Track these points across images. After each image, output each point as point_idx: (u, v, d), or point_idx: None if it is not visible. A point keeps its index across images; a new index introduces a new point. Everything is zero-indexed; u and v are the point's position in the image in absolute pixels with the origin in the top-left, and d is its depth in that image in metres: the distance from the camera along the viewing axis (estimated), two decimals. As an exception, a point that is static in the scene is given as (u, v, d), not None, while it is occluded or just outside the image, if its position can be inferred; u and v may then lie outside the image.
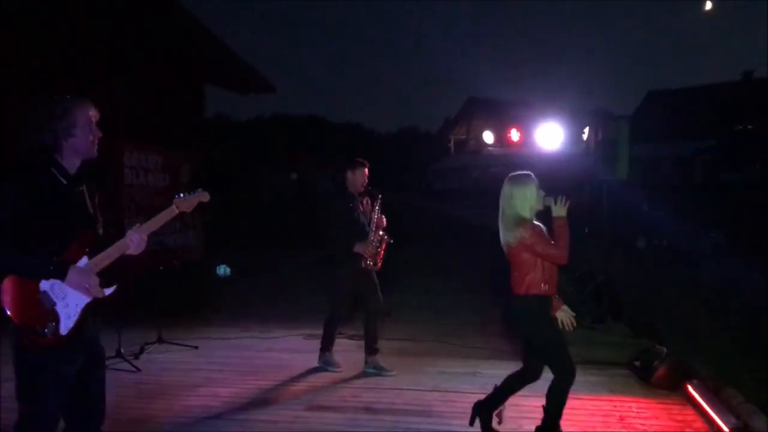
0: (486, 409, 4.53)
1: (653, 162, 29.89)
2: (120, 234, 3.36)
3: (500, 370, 5.94)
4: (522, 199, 4.15)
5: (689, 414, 4.90)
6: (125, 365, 6.02)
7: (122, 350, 6.17)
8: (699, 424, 4.69)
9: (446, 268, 13.16)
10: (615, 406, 5.07)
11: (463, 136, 44.03)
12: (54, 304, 2.87)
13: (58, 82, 9.82)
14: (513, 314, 4.38)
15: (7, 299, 2.82)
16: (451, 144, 44.10)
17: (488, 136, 11.96)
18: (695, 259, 13.63)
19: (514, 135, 8.19)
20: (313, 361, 6.25)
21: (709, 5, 33.70)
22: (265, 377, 5.82)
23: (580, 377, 5.70)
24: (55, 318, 2.86)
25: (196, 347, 6.78)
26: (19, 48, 9.75)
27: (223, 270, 7.01)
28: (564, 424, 4.70)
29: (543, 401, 5.01)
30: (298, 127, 56.44)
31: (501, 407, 4.57)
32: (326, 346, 6.07)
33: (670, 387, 5.37)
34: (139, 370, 5.96)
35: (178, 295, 7.94)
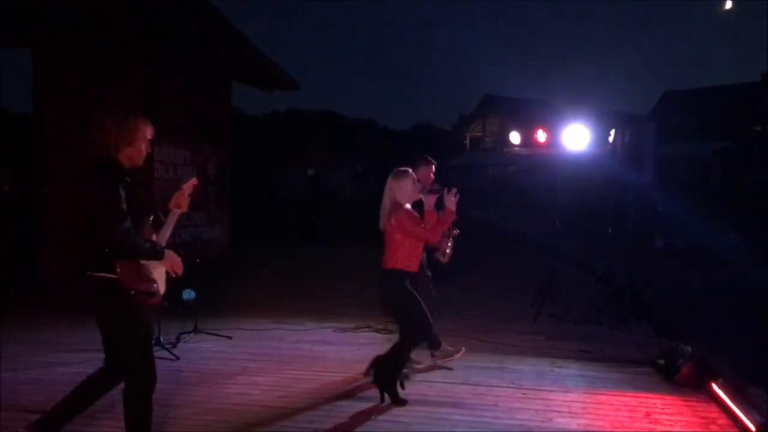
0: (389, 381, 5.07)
1: (669, 162, 29.87)
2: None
3: (526, 366, 6.19)
4: (400, 190, 5.03)
5: (713, 411, 5.04)
6: (164, 353, 6.24)
7: (161, 339, 6.40)
8: (723, 420, 4.84)
9: (466, 265, 13.30)
10: (640, 402, 5.22)
11: (479, 134, 44.15)
12: (150, 273, 3.64)
13: (91, 78, 10.10)
14: (380, 285, 5.15)
15: (119, 269, 3.50)
16: (467, 141, 44.22)
17: (515, 137, 12.09)
18: (714, 260, 13.71)
19: (541, 136, 8.34)
20: (345, 353, 6.48)
21: (729, 4, 33.54)
22: (299, 367, 6.02)
23: (605, 374, 5.96)
24: (155, 282, 3.65)
25: (230, 337, 7.00)
26: (58, 47, 10.02)
27: (188, 294, 7.25)
28: (592, 418, 4.91)
29: (575, 396, 5.23)
30: (312, 123, 56.65)
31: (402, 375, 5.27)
32: (434, 344, 6.15)
33: (695, 385, 5.51)
34: (178, 358, 6.18)
35: (209, 287, 8.14)
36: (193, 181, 4.10)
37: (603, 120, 8.21)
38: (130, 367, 3.73)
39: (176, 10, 10.79)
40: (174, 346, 6.51)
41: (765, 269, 11.57)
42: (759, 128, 37.01)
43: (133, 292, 3.54)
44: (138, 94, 10.18)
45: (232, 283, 10.01)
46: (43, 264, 10.05)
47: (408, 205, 5.09)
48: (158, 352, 6.20)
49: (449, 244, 6.13)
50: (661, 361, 5.95)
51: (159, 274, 3.72)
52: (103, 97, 10.01)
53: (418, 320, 5.02)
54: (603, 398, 5.31)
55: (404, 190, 5.06)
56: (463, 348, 6.28)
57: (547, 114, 38.08)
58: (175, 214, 3.98)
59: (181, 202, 4.02)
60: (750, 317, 8.37)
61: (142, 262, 3.60)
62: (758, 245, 14.55)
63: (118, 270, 3.51)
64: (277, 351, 6.60)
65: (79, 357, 6.19)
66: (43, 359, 6.09)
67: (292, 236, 17.58)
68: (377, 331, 7.34)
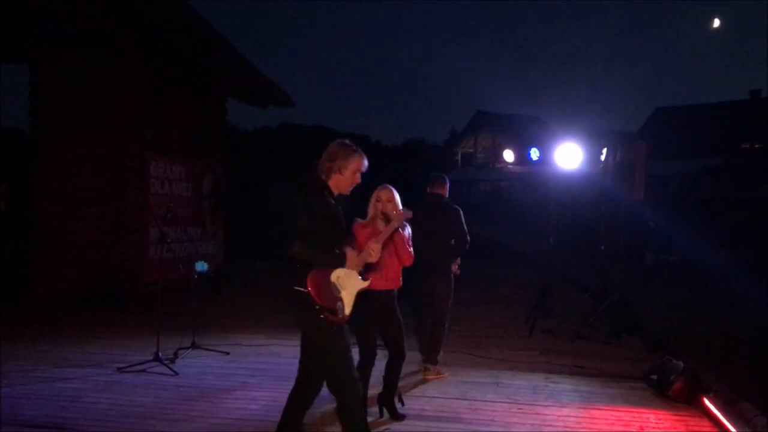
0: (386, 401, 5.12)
1: (660, 178, 30.11)
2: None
3: (521, 381, 6.27)
4: (371, 207, 4.94)
5: (705, 426, 5.15)
6: (163, 369, 6.29)
7: (160, 354, 6.45)
8: (716, 435, 4.95)
9: (458, 280, 13.37)
10: (634, 417, 5.31)
11: (471, 150, 44.36)
12: (339, 292, 3.79)
13: (89, 95, 10.18)
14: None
15: (310, 285, 3.72)
16: (459, 157, 44.42)
17: (508, 155, 12.23)
18: (705, 276, 13.86)
19: (534, 154, 8.47)
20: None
21: (717, 22, 34.07)
22: (297, 383, 6.07)
23: (599, 389, 6.05)
24: (341, 301, 3.80)
25: (227, 353, 7.05)
26: (56, 64, 10.09)
27: (201, 266, 7.27)
28: (586, 432, 4.97)
29: (569, 411, 5.30)
30: (305, 138, 56.62)
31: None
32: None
33: (687, 400, 5.62)
34: (177, 373, 6.22)
35: (205, 302, 8.22)
36: (407, 214, 4.32)
37: (595, 138, 8.34)
38: (335, 387, 3.93)
39: (173, 28, 10.94)
40: (172, 361, 6.55)
41: (755, 285, 11.73)
42: (748, 146, 37.39)
43: (318, 308, 3.72)
44: (135, 110, 10.28)
45: (228, 298, 10.06)
46: (38, 279, 10.08)
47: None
48: (157, 368, 6.31)
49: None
50: (654, 377, 6.05)
51: (347, 295, 3.85)
52: (101, 114, 10.11)
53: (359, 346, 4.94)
54: (597, 413, 5.40)
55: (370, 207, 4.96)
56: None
57: (539, 131, 38.32)
58: (393, 226, 4.23)
59: (398, 218, 4.27)
60: (741, 332, 8.50)
61: (332, 281, 3.79)
62: (748, 262, 14.71)
63: (309, 286, 3.72)
64: (275, 366, 6.65)
65: (78, 372, 6.26)
66: (42, 374, 6.12)
67: (282, 250, 17.60)
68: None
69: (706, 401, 5.38)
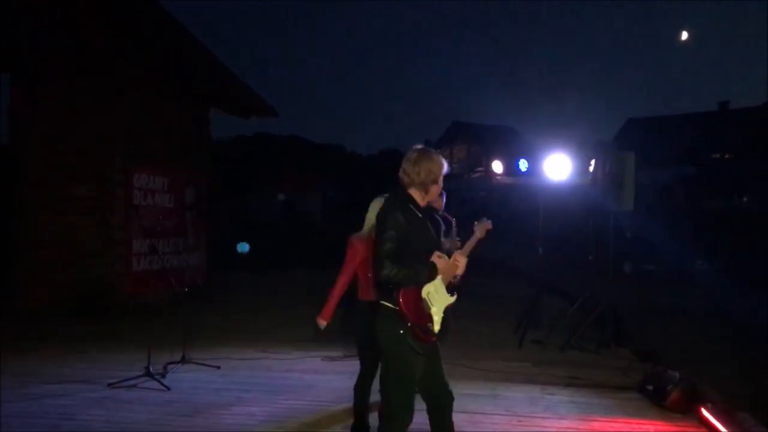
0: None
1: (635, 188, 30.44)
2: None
3: (518, 393, 6.26)
4: (368, 217, 4.72)
5: (704, 436, 5.19)
6: (154, 384, 6.18)
7: (151, 369, 6.33)
8: (715, 445, 4.98)
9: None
10: (633, 429, 5.33)
11: (446, 160, 44.55)
12: (430, 307, 3.67)
13: (71, 106, 10.02)
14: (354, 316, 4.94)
15: (402, 301, 3.63)
16: (435, 167, 44.54)
17: (497, 166, 12.21)
18: (683, 285, 14.05)
19: (523, 165, 8.52)
20: (337, 382, 6.48)
21: (685, 35, 34.63)
22: (292, 397, 6.02)
23: (595, 400, 6.06)
24: (431, 320, 3.69)
25: (218, 367, 6.95)
26: (38, 73, 9.93)
27: (242, 247, 7.17)
28: (589, 444, 4.97)
29: (568, 423, 5.31)
30: (280, 147, 56.44)
31: None
32: None
33: (683, 410, 5.65)
34: (169, 388, 6.11)
35: (192, 315, 8.08)
36: (487, 225, 4.11)
37: (583, 149, 8.41)
38: (386, 395, 3.86)
39: (156, 38, 10.81)
40: (163, 376, 6.43)
41: (734, 293, 11.91)
42: (718, 156, 38.10)
43: (410, 325, 3.63)
44: (117, 121, 10.15)
45: (213, 310, 9.94)
46: (20, 292, 9.86)
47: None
48: (148, 383, 6.21)
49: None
50: (650, 387, 6.07)
51: (437, 312, 3.74)
52: (84, 124, 9.95)
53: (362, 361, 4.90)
54: (596, 425, 5.41)
55: (369, 219, 4.77)
56: None
57: (514, 141, 38.69)
58: (476, 237, 3.99)
59: (481, 230, 4.04)
60: (726, 340, 8.61)
61: (423, 297, 3.68)
62: (724, 270, 14.95)
63: (402, 301, 3.63)
64: (268, 380, 6.57)
65: (68, 388, 6.13)
66: (31, 391, 5.97)
67: (266, 262, 17.48)
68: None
69: (704, 411, 5.41)
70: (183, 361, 6.90)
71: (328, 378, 6.67)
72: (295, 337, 8.61)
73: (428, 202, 3.91)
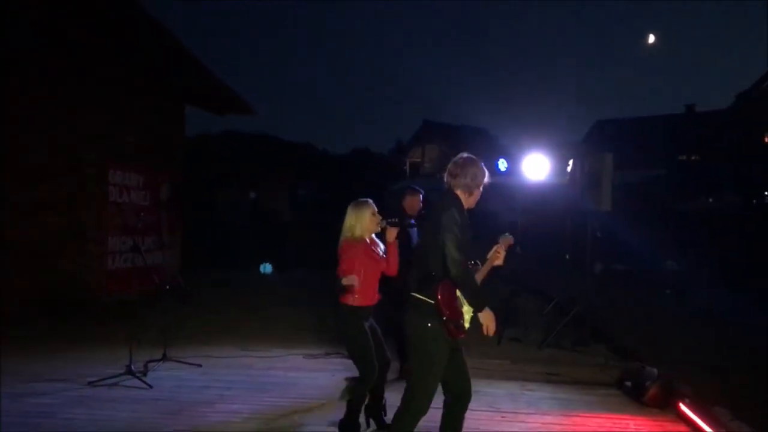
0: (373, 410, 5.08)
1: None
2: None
3: (499, 389, 6.33)
4: (356, 220, 4.82)
5: (682, 430, 5.33)
6: (135, 382, 6.12)
7: (132, 367, 6.28)
8: (693, 439, 5.11)
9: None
10: (614, 424, 5.44)
11: (418, 159, 44.70)
12: (462, 306, 3.88)
13: (46, 103, 9.85)
14: (336, 319, 4.95)
15: (440, 296, 3.78)
16: (407, 167, 44.70)
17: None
18: (653, 284, 14.31)
19: (502, 165, 8.61)
20: (320, 379, 6.49)
21: (652, 38, 35.24)
22: (276, 395, 6.01)
23: (576, 396, 6.16)
24: (462, 317, 3.89)
25: (200, 365, 6.90)
26: (11, 71, 9.72)
27: (265, 268, 7.16)
28: (572, 439, 5.06)
29: (551, 418, 5.39)
30: (248, 145, 55.93)
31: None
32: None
33: (662, 405, 5.80)
34: (151, 386, 6.06)
35: (170, 313, 8.01)
36: (509, 240, 4.31)
37: (562, 150, 8.53)
38: (412, 386, 4.00)
39: (132, 34, 10.69)
40: (144, 374, 6.38)
41: (703, 292, 12.17)
42: (685, 158, 38.79)
43: (444, 318, 3.77)
44: (91, 117, 10.02)
45: (191, 308, 9.85)
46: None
47: (372, 236, 4.94)
48: (129, 381, 6.15)
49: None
50: (628, 383, 6.20)
51: (468, 311, 3.94)
52: (58, 120, 9.80)
53: (362, 361, 4.85)
54: (578, 420, 5.51)
55: (360, 222, 4.85)
56: None
57: (485, 142, 38.95)
58: (491, 264, 4.22)
59: (499, 256, 4.27)
60: (696, 338, 8.80)
61: (457, 295, 3.86)
62: (692, 270, 15.25)
63: (440, 296, 3.77)
64: (250, 378, 6.55)
65: (47, 387, 6.03)
66: (12, 390, 5.85)
67: (238, 260, 17.38)
68: (348, 357, 7.33)
69: (682, 406, 5.54)
70: (164, 359, 6.84)
71: (310, 375, 6.68)
72: (274, 334, 8.61)
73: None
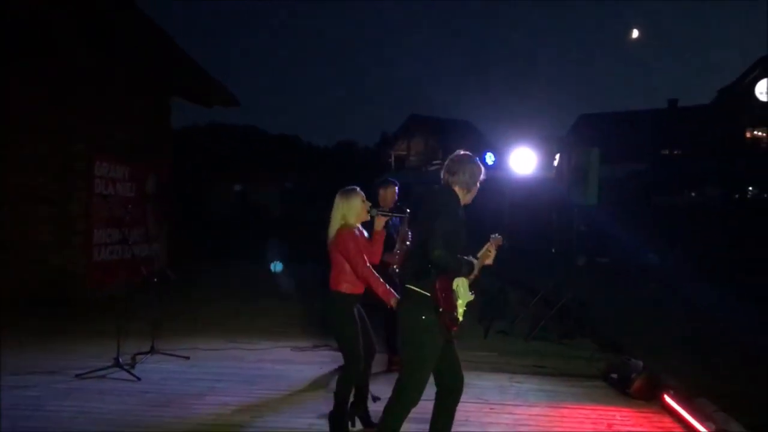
0: (359, 409, 5.03)
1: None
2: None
3: (487, 381, 6.39)
4: (348, 209, 4.82)
5: (667, 421, 5.40)
6: (123, 374, 6.11)
7: (120, 360, 6.27)
8: (678, 430, 5.20)
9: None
10: (600, 415, 5.51)
11: (404, 152, 44.78)
12: (457, 299, 3.89)
13: (30, 93, 9.77)
14: (325, 306, 4.92)
15: (439, 291, 3.82)
16: (392, 160, 44.77)
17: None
18: (636, 277, 14.46)
19: (489, 159, 8.64)
20: (308, 372, 6.52)
21: (636, 33, 35.37)
22: (265, 387, 6.02)
23: (562, 388, 6.24)
24: (456, 310, 3.89)
25: (188, 357, 6.90)
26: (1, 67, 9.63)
27: (276, 266, 7.15)
28: (559, 430, 5.16)
29: (539, 410, 5.46)
30: (234, 138, 55.67)
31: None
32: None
33: (647, 397, 5.88)
34: (139, 379, 6.06)
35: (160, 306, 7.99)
36: (499, 240, 4.30)
37: (547, 144, 8.59)
38: (404, 378, 4.03)
39: (117, 25, 10.62)
40: (132, 366, 6.37)
41: (685, 285, 12.32)
42: (667, 152, 39.11)
43: (441, 310, 3.81)
44: (78, 109, 9.94)
45: (178, 301, 9.82)
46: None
47: (359, 225, 4.97)
48: (118, 373, 6.14)
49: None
50: (614, 375, 6.28)
51: (461, 305, 3.96)
52: (44, 112, 9.72)
53: (349, 351, 4.85)
54: (566, 411, 5.57)
55: (353, 210, 4.88)
56: None
57: (470, 135, 39.10)
58: (482, 263, 4.19)
59: (490, 255, 4.24)
60: (681, 329, 8.92)
61: (453, 288, 3.89)
62: (675, 263, 15.45)
63: (438, 287, 3.82)
64: (239, 371, 6.56)
65: (34, 379, 6.02)
66: (-1, 383, 5.83)
67: (225, 254, 17.33)
68: (336, 349, 7.33)
69: (667, 398, 5.63)
70: (152, 351, 6.84)
71: (299, 368, 6.69)
72: (262, 327, 8.62)
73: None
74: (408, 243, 5.90)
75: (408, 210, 5.43)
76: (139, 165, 11.42)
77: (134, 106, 11.38)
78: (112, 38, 10.35)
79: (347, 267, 4.81)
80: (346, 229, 4.83)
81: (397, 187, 6.46)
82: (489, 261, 4.21)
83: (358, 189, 4.99)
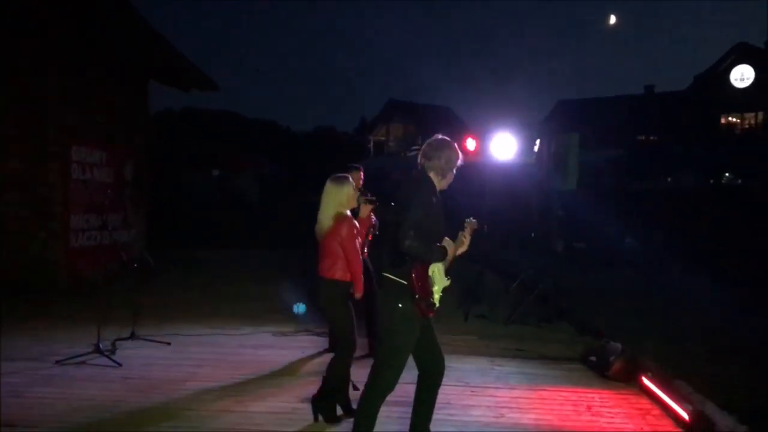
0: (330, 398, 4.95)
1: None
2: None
3: (468, 364, 6.45)
4: (342, 197, 4.87)
5: (645, 403, 5.49)
6: (104, 360, 6.08)
7: (101, 345, 6.23)
8: (657, 411, 5.29)
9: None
10: (580, 397, 5.60)
11: (383, 138, 44.70)
12: (433, 285, 3.88)
13: (9, 75, 9.60)
14: (321, 295, 4.95)
15: (414, 275, 3.81)
16: (371, 145, 44.67)
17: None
18: (613, 262, 14.65)
19: (470, 144, 8.67)
20: (290, 356, 6.53)
21: (613, 19, 35.58)
22: (247, 372, 6.02)
23: (542, 371, 6.32)
24: (432, 296, 3.89)
25: (169, 343, 6.87)
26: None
27: (298, 308, 7.22)
28: (540, 412, 5.23)
29: (519, 392, 5.53)
30: (211, 123, 55.14)
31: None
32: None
33: (625, 379, 5.97)
34: (120, 365, 6.03)
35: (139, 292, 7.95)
36: (474, 224, 4.23)
37: (527, 130, 8.63)
38: (380, 364, 4.02)
39: (94, 10, 10.44)
40: (112, 352, 6.34)
41: (660, 269, 12.50)
42: (644, 138, 39.46)
43: (417, 297, 3.80)
44: (52, 92, 9.80)
45: (157, 287, 9.77)
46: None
47: (348, 212, 5.00)
48: (98, 359, 6.11)
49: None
50: (593, 358, 6.38)
51: (437, 291, 3.95)
52: (16, 96, 9.57)
53: (345, 337, 4.89)
54: (546, 394, 5.65)
55: (347, 197, 4.92)
56: None
57: (449, 120, 39.12)
58: (455, 251, 4.07)
59: (464, 242, 4.15)
60: (657, 313, 9.07)
61: (429, 274, 3.87)
62: (651, 247, 15.65)
63: (413, 274, 3.81)
64: (221, 356, 6.55)
65: (12, 366, 5.94)
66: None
67: (204, 240, 17.25)
68: (317, 334, 7.40)
69: (645, 380, 5.72)
70: (132, 337, 6.80)
71: (281, 353, 6.70)
72: (243, 313, 8.61)
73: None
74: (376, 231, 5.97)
75: (371, 195, 5.46)
76: (116, 150, 11.31)
77: (111, 90, 11.23)
78: (87, 20, 10.19)
79: (342, 255, 4.84)
80: (345, 218, 4.86)
81: (362, 173, 6.47)
82: (463, 248, 4.14)
83: (349, 177, 5.04)
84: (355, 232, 4.88)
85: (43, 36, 9.59)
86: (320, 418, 4.84)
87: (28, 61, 9.63)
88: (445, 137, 4.16)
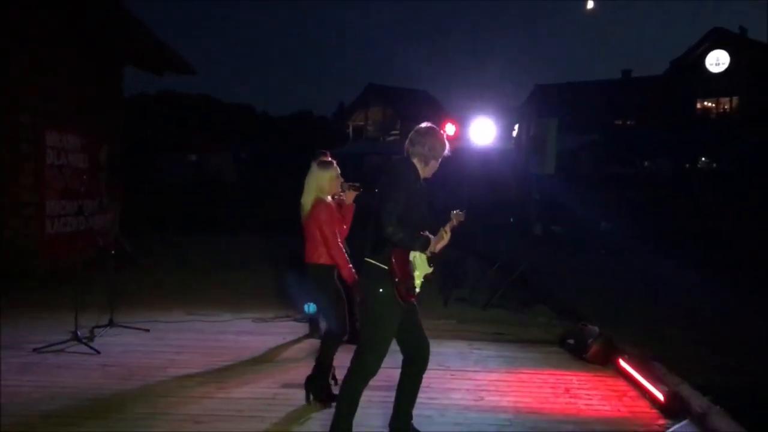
0: (321, 380, 4.99)
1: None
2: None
3: (447, 348, 6.50)
4: (325, 180, 4.93)
5: (622, 385, 5.58)
6: (82, 348, 6.03)
7: (78, 333, 6.18)
8: (633, 393, 5.38)
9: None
10: (558, 379, 5.67)
11: (362, 123, 44.56)
12: (414, 270, 3.89)
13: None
14: (310, 279, 5.01)
15: (394, 260, 3.82)
16: (350, 130, 44.55)
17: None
18: (590, 245, 14.79)
19: (450, 129, 8.66)
20: (270, 342, 6.53)
21: (591, 4, 35.75)
22: (228, 358, 6.01)
23: (521, 354, 6.39)
24: (413, 281, 3.90)
25: (148, 330, 6.83)
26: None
27: (308, 308, 7.19)
28: (519, 394, 5.30)
29: (498, 375, 5.59)
30: (187, 107, 54.62)
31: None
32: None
33: (603, 362, 6.06)
34: (99, 352, 5.98)
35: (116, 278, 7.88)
36: (461, 216, 4.17)
37: (507, 114, 8.65)
38: (363, 349, 4.01)
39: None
40: (90, 340, 6.29)
41: (636, 252, 12.64)
42: (620, 122, 39.76)
43: (397, 280, 3.80)
44: (27, 77, 9.62)
45: (134, 273, 9.69)
46: None
47: (329, 198, 5.02)
48: (76, 347, 6.06)
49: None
50: (571, 341, 6.46)
51: (418, 276, 3.95)
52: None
53: (333, 319, 4.93)
54: (524, 376, 5.72)
55: (330, 182, 4.96)
56: None
57: (429, 105, 39.07)
58: (435, 245, 4.00)
59: (445, 237, 4.07)
60: (633, 296, 9.19)
61: (410, 259, 3.87)
62: (626, 231, 15.80)
63: (393, 260, 3.81)
64: (201, 343, 6.54)
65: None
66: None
67: (179, 225, 17.09)
68: (297, 320, 7.39)
69: (622, 362, 5.80)
70: (110, 324, 6.75)
71: (261, 339, 6.69)
72: (222, 299, 8.57)
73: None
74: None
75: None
76: (91, 135, 11.13)
77: (85, 74, 11.04)
78: (60, 3, 10.00)
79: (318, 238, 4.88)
80: (322, 202, 4.89)
81: (328, 156, 6.47)
82: (443, 243, 4.06)
83: (334, 162, 5.07)
84: (332, 217, 4.88)
85: (14, 20, 9.39)
86: (311, 398, 4.89)
87: None
88: (433, 125, 4.16)
